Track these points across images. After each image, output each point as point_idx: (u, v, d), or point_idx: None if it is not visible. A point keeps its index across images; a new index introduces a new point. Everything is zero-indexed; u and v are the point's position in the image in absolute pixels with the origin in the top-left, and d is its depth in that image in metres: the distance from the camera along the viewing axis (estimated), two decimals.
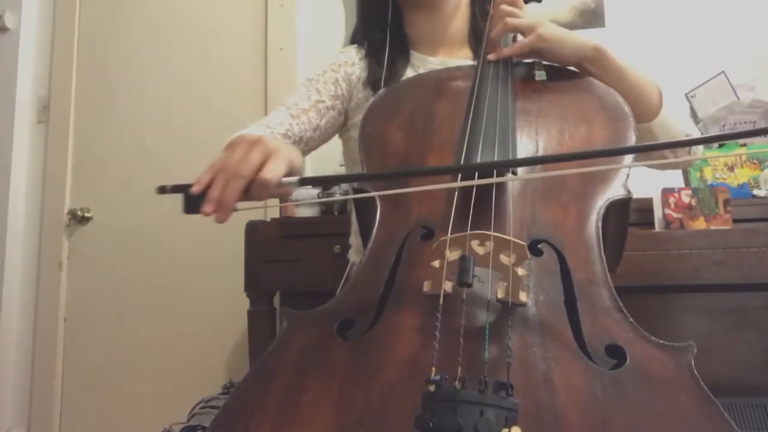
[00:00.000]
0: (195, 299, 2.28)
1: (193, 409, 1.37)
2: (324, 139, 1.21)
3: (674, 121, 1.03)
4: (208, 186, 0.70)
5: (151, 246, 2.35)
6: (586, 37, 1.01)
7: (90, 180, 2.44)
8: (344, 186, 1.81)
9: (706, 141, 1.02)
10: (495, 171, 0.75)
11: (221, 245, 2.17)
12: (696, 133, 1.05)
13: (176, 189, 0.71)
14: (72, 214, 2.42)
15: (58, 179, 2.43)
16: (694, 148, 1.06)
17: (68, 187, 2.42)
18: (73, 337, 2.37)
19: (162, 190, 0.72)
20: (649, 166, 1.09)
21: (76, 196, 2.44)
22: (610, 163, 0.82)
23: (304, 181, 0.72)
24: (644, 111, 1.01)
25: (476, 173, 0.76)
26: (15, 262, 2.39)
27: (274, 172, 0.70)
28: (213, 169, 0.71)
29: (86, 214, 2.42)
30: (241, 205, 0.70)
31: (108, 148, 2.43)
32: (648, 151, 0.91)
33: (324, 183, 0.87)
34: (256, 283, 1.65)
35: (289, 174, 0.72)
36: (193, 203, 0.70)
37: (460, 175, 0.76)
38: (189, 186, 0.70)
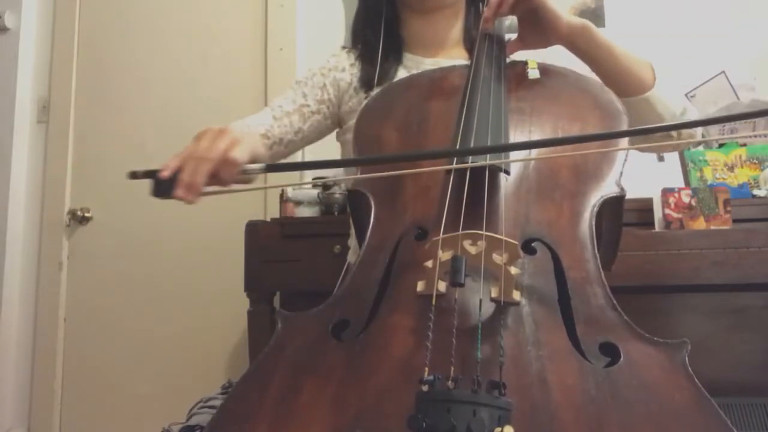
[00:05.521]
0: (195, 299, 2.28)
1: (192, 408, 1.37)
2: (307, 141, 1.23)
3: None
4: (178, 171, 0.74)
5: (151, 246, 2.35)
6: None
7: (90, 180, 2.44)
8: (343, 185, 1.82)
9: (695, 125, 1.02)
10: (487, 171, 0.75)
11: (221, 245, 2.19)
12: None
13: (147, 174, 0.75)
14: (72, 214, 2.42)
15: (58, 179, 2.43)
16: (692, 129, 1.06)
17: (68, 187, 2.42)
18: (73, 337, 2.37)
19: (134, 175, 0.76)
20: (641, 150, 1.09)
21: (76, 196, 2.44)
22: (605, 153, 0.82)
23: (271, 168, 0.79)
24: (639, 83, 1.01)
25: (468, 174, 0.75)
26: (15, 262, 2.39)
27: (240, 154, 0.75)
28: (181, 156, 0.75)
29: (86, 214, 2.42)
30: (209, 189, 0.75)
31: (108, 148, 2.43)
32: (640, 135, 0.91)
33: (293, 170, 0.90)
34: (256, 283, 1.66)
35: (251, 163, 0.78)
36: (163, 187, 0.74)
37: (453, 173, 0.76)
38: (159, 171, 0.75)
